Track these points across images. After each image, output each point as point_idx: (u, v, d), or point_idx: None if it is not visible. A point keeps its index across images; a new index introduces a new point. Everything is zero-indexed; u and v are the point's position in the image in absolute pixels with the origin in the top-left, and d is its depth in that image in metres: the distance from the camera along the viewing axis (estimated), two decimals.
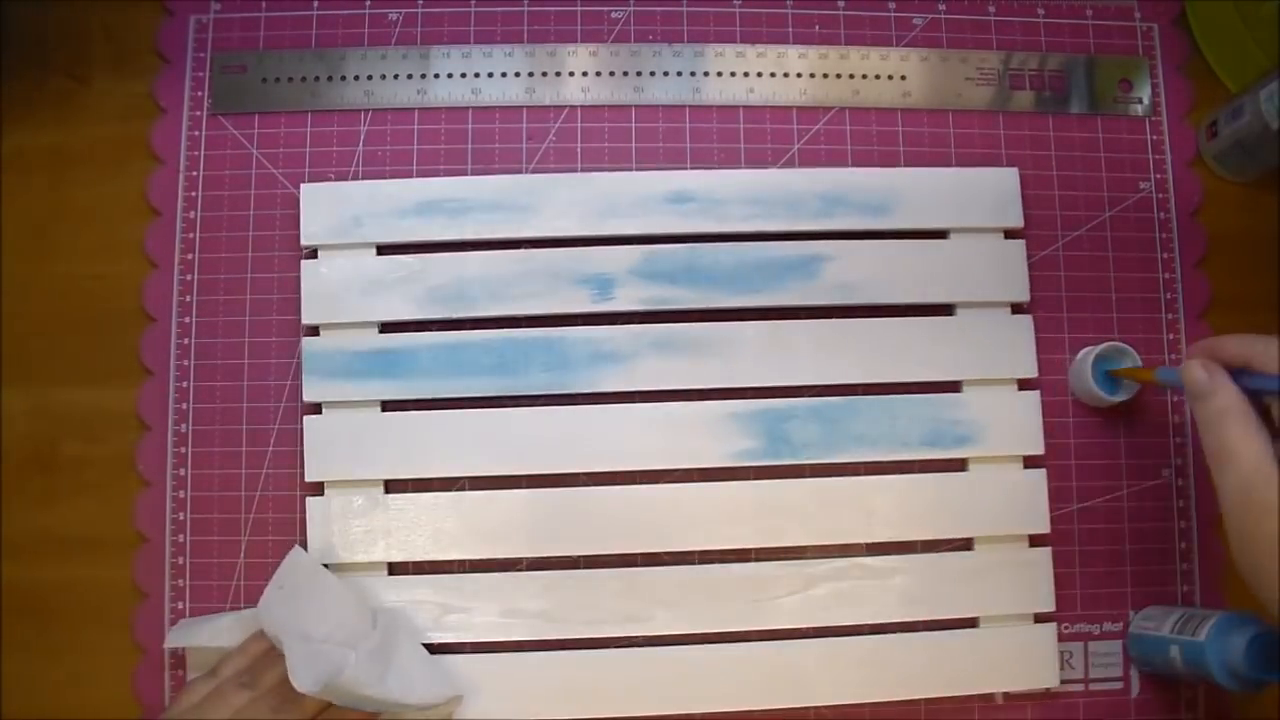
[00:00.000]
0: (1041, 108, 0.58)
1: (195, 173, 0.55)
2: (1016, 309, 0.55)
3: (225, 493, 0.53)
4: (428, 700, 0.48)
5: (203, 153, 0.56)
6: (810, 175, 0.55)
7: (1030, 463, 0.54)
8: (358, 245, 0.53)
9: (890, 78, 0.57)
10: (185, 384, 0.54)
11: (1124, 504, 0.55)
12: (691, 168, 0.56)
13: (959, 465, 0.54)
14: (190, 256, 0.55)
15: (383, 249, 0.53)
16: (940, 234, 0.55)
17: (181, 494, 0.53)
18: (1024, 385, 0.54)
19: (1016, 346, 0.54)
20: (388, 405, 0.52)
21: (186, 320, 0.54)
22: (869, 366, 0.53)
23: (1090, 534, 0.55)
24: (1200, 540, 0.55)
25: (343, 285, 0.53)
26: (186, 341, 0.54)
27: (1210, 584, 0.55)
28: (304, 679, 0.43)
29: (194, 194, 0.55)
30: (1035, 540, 0.53)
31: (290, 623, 0.47)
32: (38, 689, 0.52)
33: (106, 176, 0.56)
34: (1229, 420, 0.41)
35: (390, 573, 0.52)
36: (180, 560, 0.53)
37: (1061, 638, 0.53)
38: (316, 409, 0.52)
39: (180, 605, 0.52)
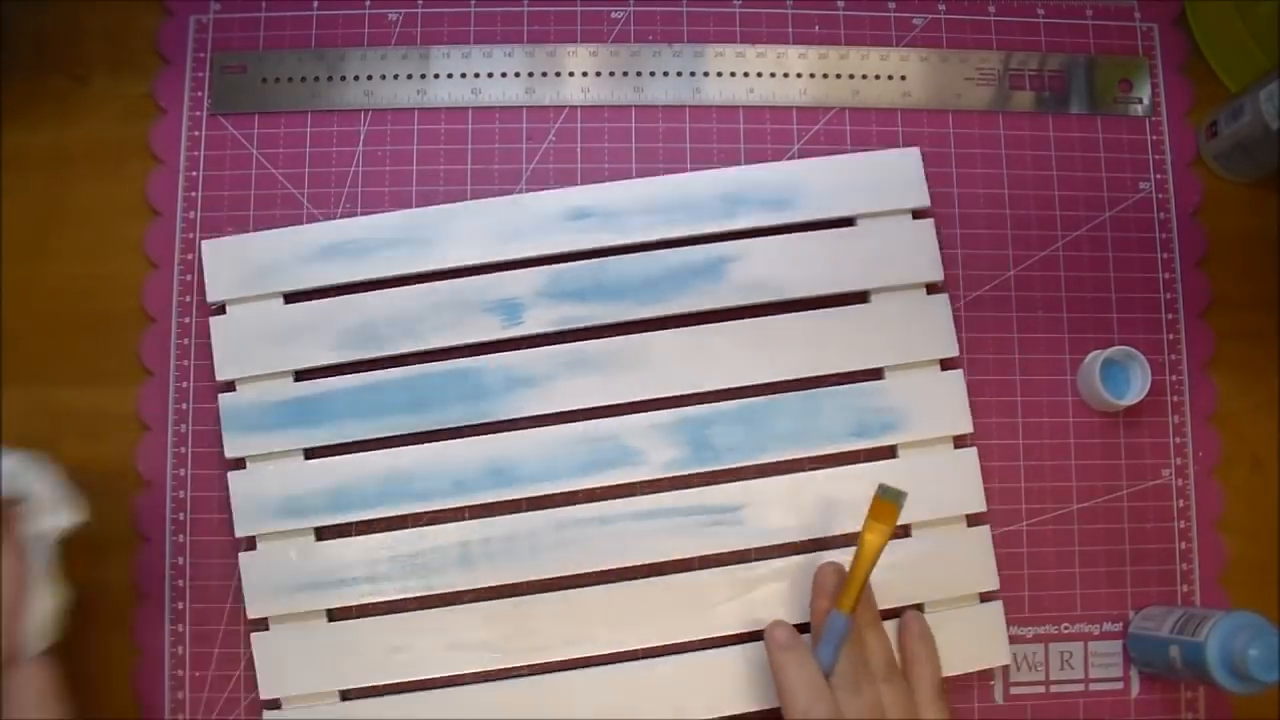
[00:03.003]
0: (1041, 108, 0.58)
1: (195, 173, 0.55)
2: (931, 289, 0.54)
3: (225, 493, 0.53)
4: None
5: (203, 153, 0.56)
6: (708, 177, 0.54)
7: (960, 442, 0.53)
8: (265, 296, 0.53)
9: (890, 78, 0.57)
10: (185, 384, 0.54)
11: (1124, 504, 0.55)
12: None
13: (889, 452, 0.53)
14: (190, 256, 0.55)
15: (290, 297, 0.53)
16: (847, 221, 0.54)
17: (181, 494, 0.53)
18: (946, 365, 0.54)
19: (935, 327, 0.54)
20: (311, 453, 0.52)
21: (186, 320, 0.54)
22: (787, 363, 0.53)
23: (1090, 534, 0.55)
24: (1200, 540, 0.55)
25: (253, 337, 0.52)
26: (186, 341, 0.54)
27: (1210, 584, 0.55)
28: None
29: (194, 194, 0.55)
30: (973, 520, 0.53)
31: None
32: None
33: (106, 176, 0.56)
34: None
35: (330, 619, 0.52)
36: (180, 560, 0.53)
37: (1061, 638, 0.54)
38: (240, 464, 0.52)
39: (180, 605, 0.53)
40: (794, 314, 0.53)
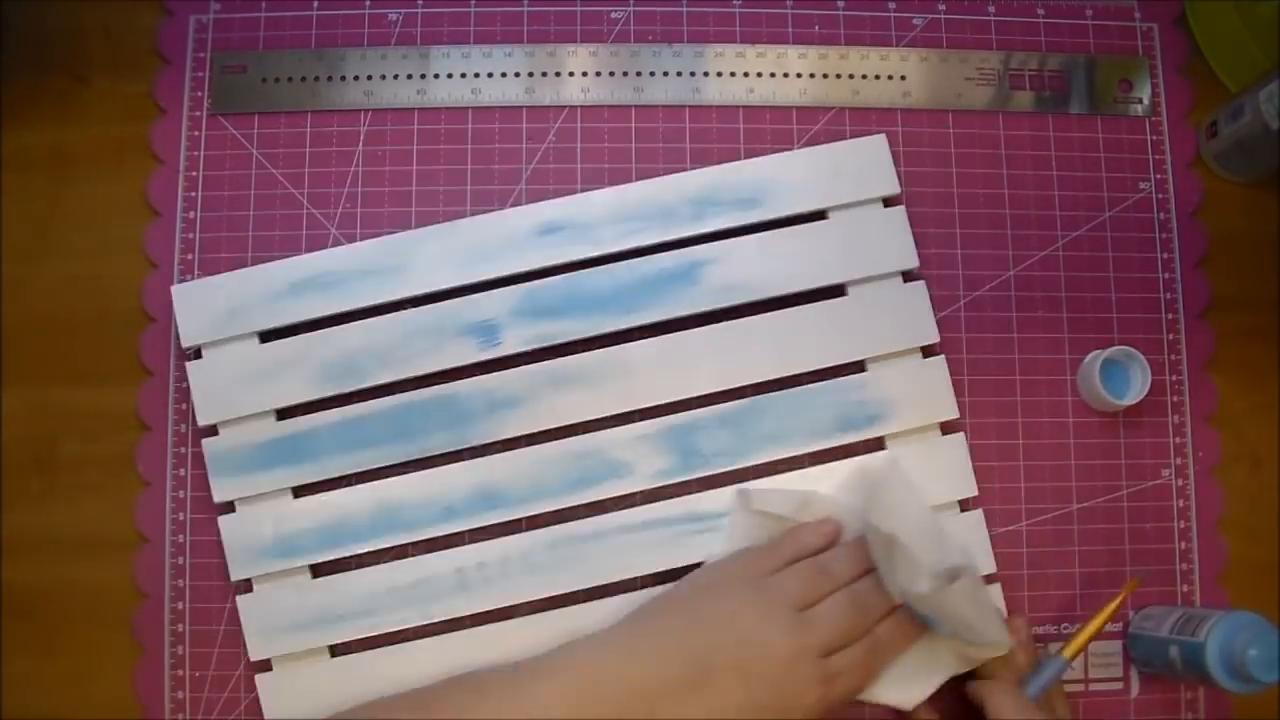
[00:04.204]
0: (1041, 108, 0.58)
1: (195, 173, 0.55)
2: (908, 277, 0.54)
3: None
4: (1002, 640, 0.47)
5: (203, 153, 0.56)
6: (675, 182, 0.54)
7: (947, 428, 0.53)
8: (239, 337, 0.52)
9: (890, 78, 0.57)
10: (185, 384, 0.54)
11: (1124, 504, 0.55)
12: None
13: (877, 445, 0.53)
14: (190, 256, 0.55)
15: (265, 336, 0.53)
16: (819, 215, 0.54)
17: (181, 494, 0.53)
18: (927, 352, 0.54)
19: (913, 315, 0.53)
20: (299, 490, 0.52)
21: None
22: (768, 363, 0.53)
23: (1090, 534, 0.55)
24: (1200, 540, 0.55)
25: (232, 379, 0.52)
26: None
27: (1210, 584, 0.55)
28: (909, 581, 0.45)
29: (194, 194, 0.55)
30: (965, 505, 0.53)
31: (895, 524, 0.46)
32: (38, 689, 0.52)
33: (106, 176, 0.56)
34: None
35: (332, 655, 0.51)
36: (180, 560, 0.53)
37: (1062, 638, 0.53)
38: (230, 507, 0.52)
39: (180, 605, 0.53)
40: (772, 313, 0.53)
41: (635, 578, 0.52)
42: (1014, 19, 0.59)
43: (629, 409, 0.52)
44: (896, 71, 0.57)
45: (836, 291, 0.54)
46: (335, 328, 0.53)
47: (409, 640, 0.51)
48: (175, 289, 0.53)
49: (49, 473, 0.54)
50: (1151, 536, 0.55)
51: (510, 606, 0.51)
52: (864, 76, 0.57)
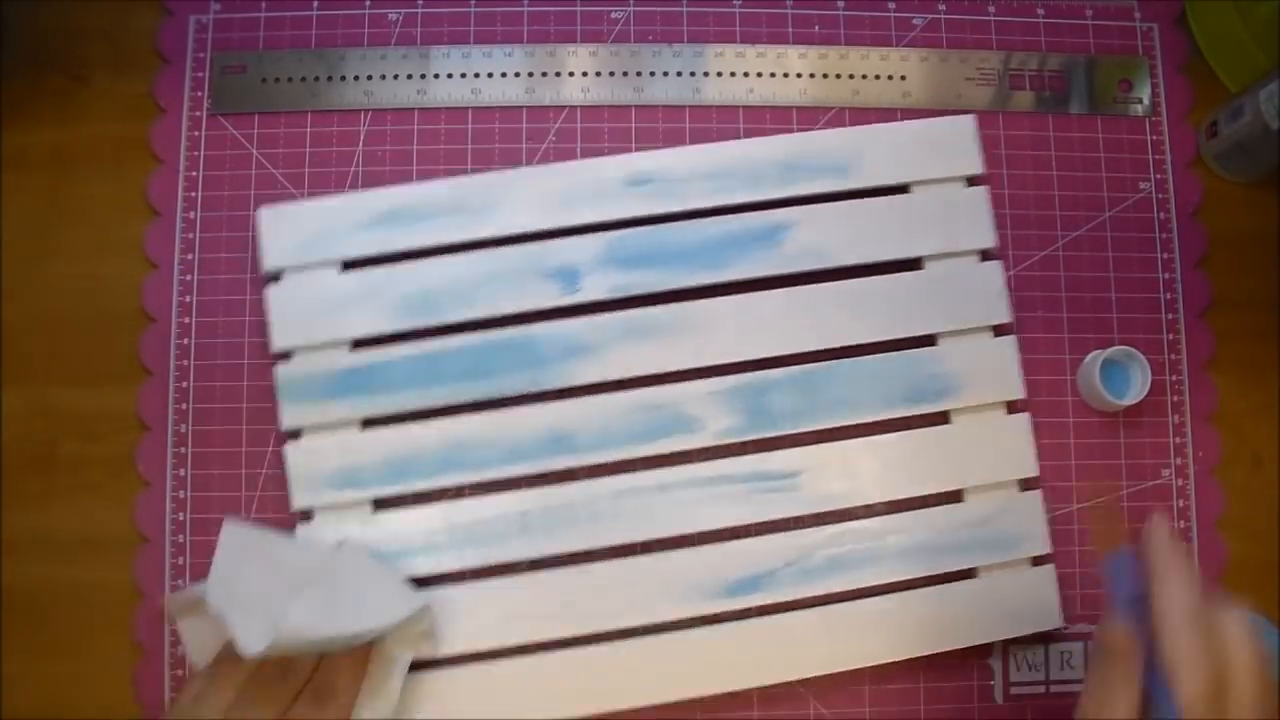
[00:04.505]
0: (1041, 108, 0.58)
1: (195, 173, 0.55)
2: (985, 256, 0.54)
3: (225, 493, 0.53)
4: (384, 622, 0.46)
5: (203, 153, 0.56)
6: (766, 144, 0.54)
7: (1013, 408, 0.54)
8: (321, 264, 0.52)
9: (890, 78, 0.57)
10: (185, 384, 0.54)
11: (1124, 504, 0.55)
12: (638, 149, 0.56)
13: (942, 418, 0.53)
14: (190, 256, 0.55)
15: (346, 265, 0.53)
16: (902, 189, 0.55)
17: (181, 494, 0.53)
18: (998, 331, 0.54)
19: (987, 293, 0.54)
20: (368, 423, 0.52)
21: (186, 320, 0.54)
22: (842, 329, 0.53)
23: (1090, 533, 0.54)
24: (1200, 540, 0.55)
25: (310, 306, 0.52)
26: (186, 341, 0.54)
27: (1210, 584, 0.55)
28: (248, 642, 0.42)
29: (194, 194, 0.55)
30: (1026, 485, 0.53)
31: (234, 595, 0.44)
32: (38, 689, 0.52)
33: (106, 176, 0.56)
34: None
35: None
36: (180, 560, 0.53)
37: (1062, 638, 0.53)
38: (296, 435, 0.52)
39: None
40: (849, 280, 0.53)
41: (695, 533, 0.52)
42: (1014, 19, 0.59)
43: (702, 365, 0.53)
44: (896, 71, 0.57)
45: (913, 265, 0.54)
46: (417, 262, 0.53)
47: (465, 581, 0.51)
48: (263, 210, 0.52)
49: (49, 473, 0.54)
50: None
51: (569, 553, 0.51)
52: (864, 76, 0.57)
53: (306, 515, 0.51)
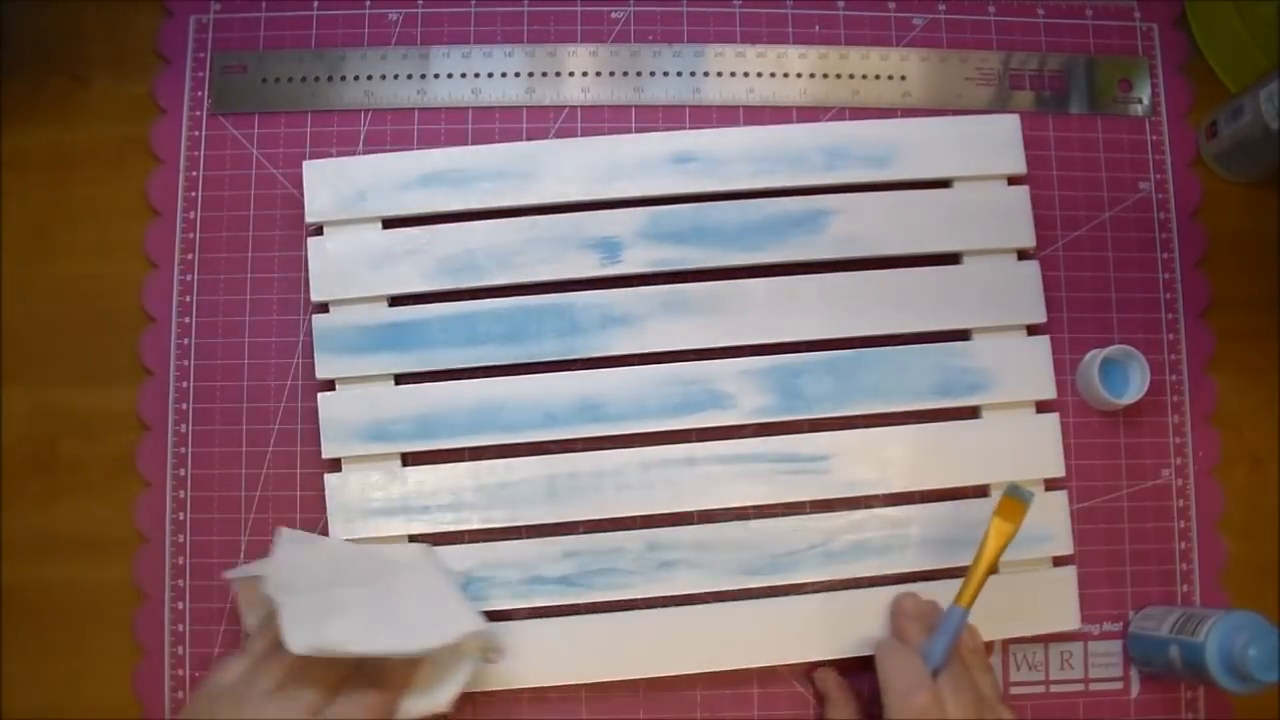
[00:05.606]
0: (1041, 108, 0.58)
1: (195, 173, 0.55)
2: (1023, 255, 0.55)
3: (225, 493, 0.53)
4: (429, 645, 0.45)
5: (203, 153, 0.56)
6: (812, 130, 0.55)
7: (1042, 407, 0.54)
8: (363, 220, 0.53)
9: (890, 78, 0.57)
10: (185, 384, 0.54)
11: (1124, 504, 0.55)
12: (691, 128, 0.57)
13: (971, 413, 0.54)
14: (190, 256, 0.55)
15: (388, 222, 0.53)
16: (944, 183, 0.55)
17: (181, 494, 0.53)
18: (1033, 331, 0.54)
19: (1024, 292, 0.54)
20: (401, 379, 0.52)
21: (186, 320, 0.54)
22: (878, 318, 0.54)
23: (1090, 534, 0.55)
24: (1200, 540, 0.55)
25: (350, 261, 0.53)
26: (186, 341, 0.54)
27: (1210, 584, 0.55)
28: (293, 640, 0.42)
29: (194, 194, 0.55)
30: (1051, 484, 0.53)
31: (291, 587, 0.45)
32: (38, 689, 0.52)
33: (106, 176, 0.56)
34: None
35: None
36: (180, 560, 0.53)
37: (1061, 638, 0.53)
38: (330, 386, 0.52)
39: (180, 605, 0.53)
40: (887, 270, 0.54)
41: (720, 508, 0.52)
42: (1014, 19, 0.59)
43: (738, 343, 0.53)
44: (896, 71, 0.57)
45: (951, 259, 0.54)
46: (459, 224, 0.53)
47: (489, 541, 0.52)
48: (307, 164, 0.53)
49: (49, 473, 0.54)
50: (1151, 536, 0.55)
51: (595, 520, 0.52)
52: (864, 76, 0.57)
53: (335, 465, 0.52)
